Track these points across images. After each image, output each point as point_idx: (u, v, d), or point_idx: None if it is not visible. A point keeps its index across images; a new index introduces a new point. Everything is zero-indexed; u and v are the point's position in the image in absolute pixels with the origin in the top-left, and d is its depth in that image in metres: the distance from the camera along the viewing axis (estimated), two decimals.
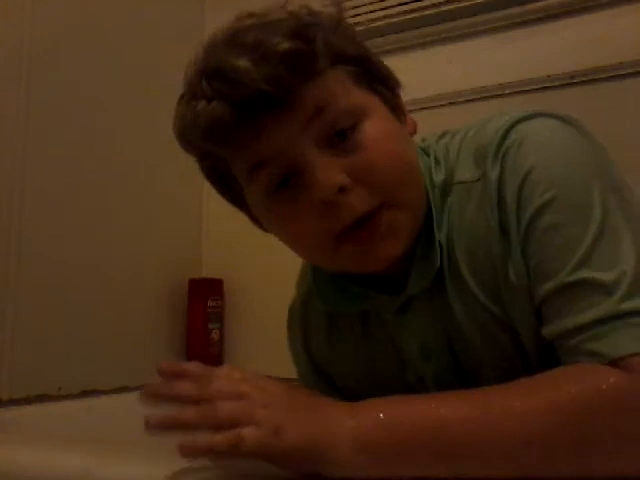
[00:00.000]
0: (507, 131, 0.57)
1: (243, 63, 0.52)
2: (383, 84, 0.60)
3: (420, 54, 1.39)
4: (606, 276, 0.49)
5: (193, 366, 0.51)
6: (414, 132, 0.63)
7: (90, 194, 1.29)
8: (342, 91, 0.55)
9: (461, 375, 0.63)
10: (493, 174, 0.56)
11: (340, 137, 0.54)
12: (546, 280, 0.52)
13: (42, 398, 1.13)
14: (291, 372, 0.76)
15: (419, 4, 1.40)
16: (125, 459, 0.57)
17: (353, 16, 1.48)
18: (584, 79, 1.23)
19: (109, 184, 1.34)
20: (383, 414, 0.48)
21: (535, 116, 0.57)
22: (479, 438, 0.46)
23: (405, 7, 1.42)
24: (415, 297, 0.62)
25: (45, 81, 1.21)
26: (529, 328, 0.56)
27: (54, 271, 1.20)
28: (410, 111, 0.65)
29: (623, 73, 1.20)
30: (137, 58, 1.45)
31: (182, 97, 0.58)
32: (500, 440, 0.45)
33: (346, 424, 0.47)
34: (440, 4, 1.37)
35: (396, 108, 0.60)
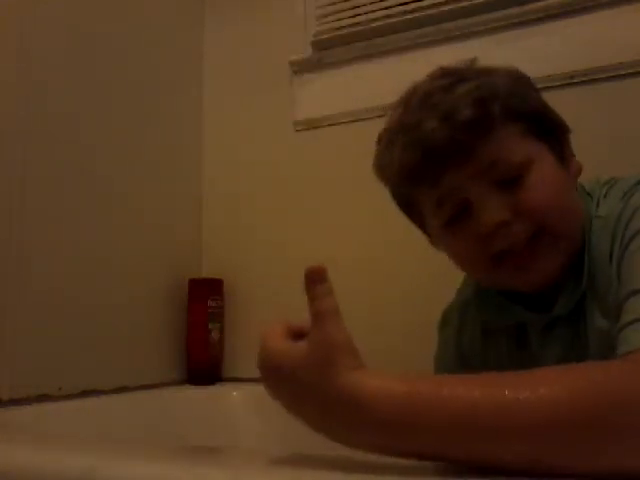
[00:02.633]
0: None
1: (431, 124, 0.65)
2: (551, 134, 0.69)
3: (420, 54, 1.39)
4: None
5: None
6: (579, 174, 0.72)
7: (90, 193, 1.29)
8: (513, 145, 0.66)
9: None
10: (617, 210, 0.65)
11: (508, 180, 0.65)
12: (622, 290, 0.58)
13: (42, 398, 1.12)
14: None
15: (419, 4, 1.40)
16: (125, 459, 0.57)
17: (353, 16, 1.48)
18: (584, 79, 1.23)
19: (110, 183, 1.34)
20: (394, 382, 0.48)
21: None
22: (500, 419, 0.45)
23: (405, 7, 1.42)
24: (559, 318, 0.71)
25: (45, 81, 1.21)
26: None
27: (54, 271, 1.20)
28: None
29: (623, 73, 1.20)
30: (138, 58, 1.45)
31: (383, 138, 0.73)
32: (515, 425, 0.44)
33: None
34: (440, 4, 1.38)
35: (562, 154, 0.70)
